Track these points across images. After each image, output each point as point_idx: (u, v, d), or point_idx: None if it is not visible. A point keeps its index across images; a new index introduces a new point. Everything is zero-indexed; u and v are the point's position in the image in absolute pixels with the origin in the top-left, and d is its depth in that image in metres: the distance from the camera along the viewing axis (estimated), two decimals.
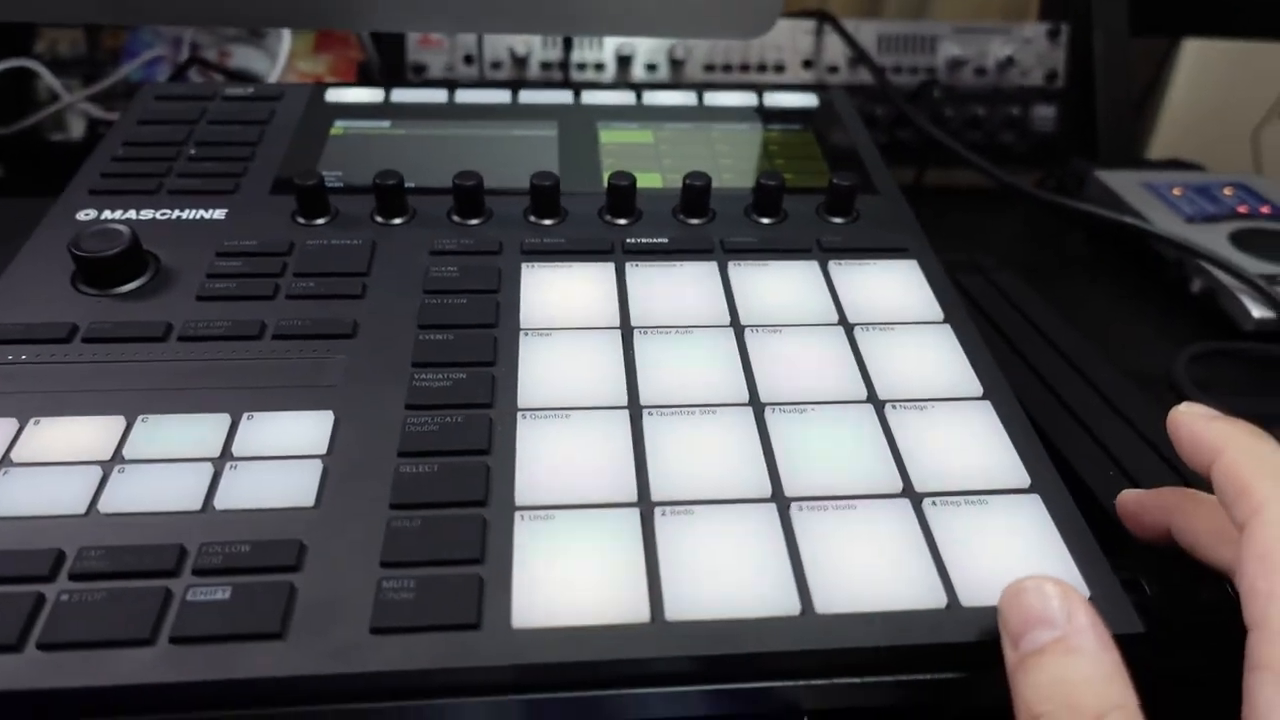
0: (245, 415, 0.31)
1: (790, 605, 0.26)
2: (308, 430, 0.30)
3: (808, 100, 0.51)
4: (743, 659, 0.25)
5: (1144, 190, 0.62)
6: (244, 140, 0.45)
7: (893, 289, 0.38)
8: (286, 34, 0.73)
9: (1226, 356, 0.50)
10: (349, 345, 0.34)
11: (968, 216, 0.69)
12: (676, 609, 0.25)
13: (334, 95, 0.49)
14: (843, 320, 0.36)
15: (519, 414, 0.31)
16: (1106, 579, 0.27)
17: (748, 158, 0.47)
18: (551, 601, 0.25)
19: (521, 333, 0.35)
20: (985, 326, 0.47)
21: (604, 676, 0.25)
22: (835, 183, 0.42)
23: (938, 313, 0.37)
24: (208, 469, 0.29)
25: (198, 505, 0.28)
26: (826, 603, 0.26)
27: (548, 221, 0.41)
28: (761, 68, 0.74)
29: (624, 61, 0.72)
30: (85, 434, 0.30)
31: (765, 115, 0.50)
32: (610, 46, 0.72)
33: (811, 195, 0.43)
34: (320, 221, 0.40)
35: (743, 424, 0.31)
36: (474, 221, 0.41)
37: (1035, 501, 0.29)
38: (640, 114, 0.49)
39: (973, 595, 0.26)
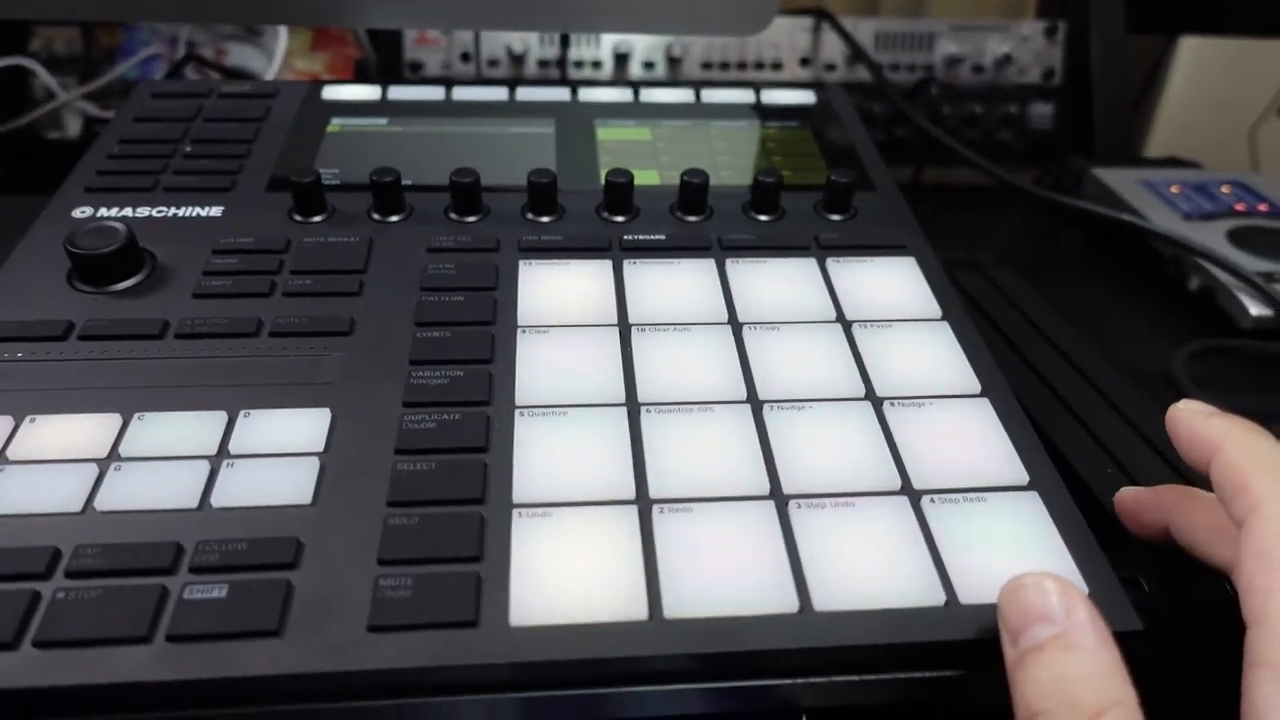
0: (242, 413, 0.30)
1: (788, 603, 0.26)
2: (305, 428, 0.30)
3: (805, 97, 0.51)
4: (741, 657, 0.25)
5: (1141, 188, 0.62)
6: (240, 138, 0.45)
7: (891, 286, 0.38)
8: (283, 32, 0.73)
9: (1224, 354, 0.50)
10: (346, 343, 0.34)
11: (965, 214, 0.69)
12: (675, 607, 0.25)
13: (330, 92, 0.49)
14: (841, 317, 0.36)
15: (516, 411, 0.31)
16: (1105, 576, 0.27)
17: (745, 155, 0.47)
18: (549, 599, 0.25)
19: (519, 330, 0.35)
20: (983, 324, 0.47)
21: (602, 674, 0.25)
22: (833, 180, 0.42)
23: (936, 310, 0.37)
24: (204, 467, 0.29)
25: (194, 503, 0.27)
26: (825, 600, 0.26)
27: (545, 219, 0.41)
28: (759, 65, 0.74)
29: (621, 59, 0.72)
30: (81, 431, 0.29)
31: (763, 112, 0.50)
32: (608, 44, 0.72)
33: (809, 192, 0.43)
34: (317, 219, 0.40)
35: (741, 421, 0.31)
36: (471, 219, 0.41)
37: (1034, 499, 0.29)
38: (638, 111, 0.49)
39: (971, 593, 0.26)
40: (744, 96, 0.51)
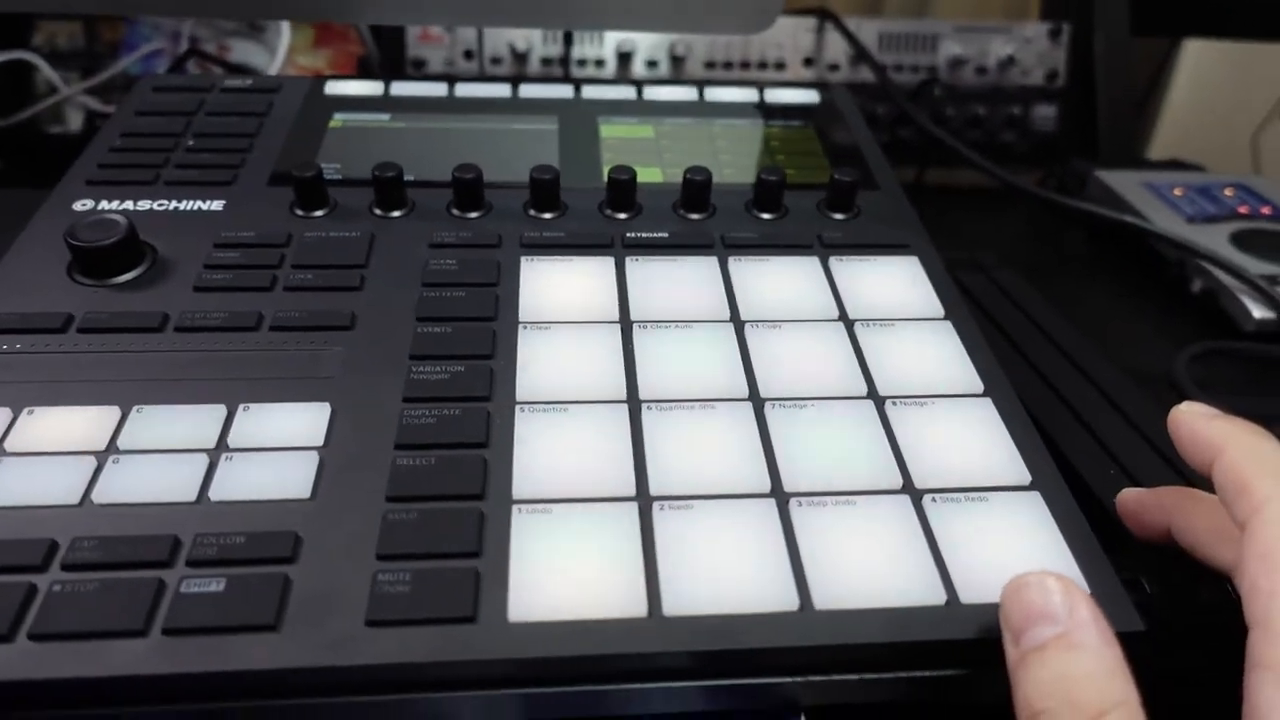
0: (241, 406, 0.30)
1: (789, 601, 0.26)
2: (304, 422, 0.30)
3: (809, 96, 0.51)
4: (741, 654, 0.25)
5: (1145, 190, 0.62)
6: (242, 132, 0.45)
7: (894, 285, 0.38)
8: (286, 27, 0.73)
9: (1227, 356, 0.50)
10: (347, 337, 0.34)
11: (968, 215, 0.69)
12: (674, 604, 0.25)
13: (333, 88, 0.49)
14: (843, 316, 0.36)
15: (517, 407, 0.31)
16: (1107, 577, 0.27)
17: (748, 153, 0.47)
18: (548, 595, 0.25)
19: (520, 326, 0.35)
20: (986, 324, 0.47)
21: (600, 671, 0.25)
22: (836, 178, 0.41)
23: (938, 309, 0.37)
24: (203, 460, 0.28)
25: (192, 496, 0.27)
26: (825, 598, 0.26)
27: (547, 215, 0.41)
28: (762, 65, 0.74)
29: (625, 58, 0.72)
30: (80, 424, 0.29)
31: (766, 111, 0.50)
32: (611, 43, 0.72)
33: (812, 191, 0.43)
34: (319, 213, 0.40)
35: (742, 419, 0.31)
36: (473, 215, 0.40)
37: (1035, 499, 0.29)
38: (641, 109, 0.49)
39: (972, 592, 0.26)
40: (747, 95, 0.51)
